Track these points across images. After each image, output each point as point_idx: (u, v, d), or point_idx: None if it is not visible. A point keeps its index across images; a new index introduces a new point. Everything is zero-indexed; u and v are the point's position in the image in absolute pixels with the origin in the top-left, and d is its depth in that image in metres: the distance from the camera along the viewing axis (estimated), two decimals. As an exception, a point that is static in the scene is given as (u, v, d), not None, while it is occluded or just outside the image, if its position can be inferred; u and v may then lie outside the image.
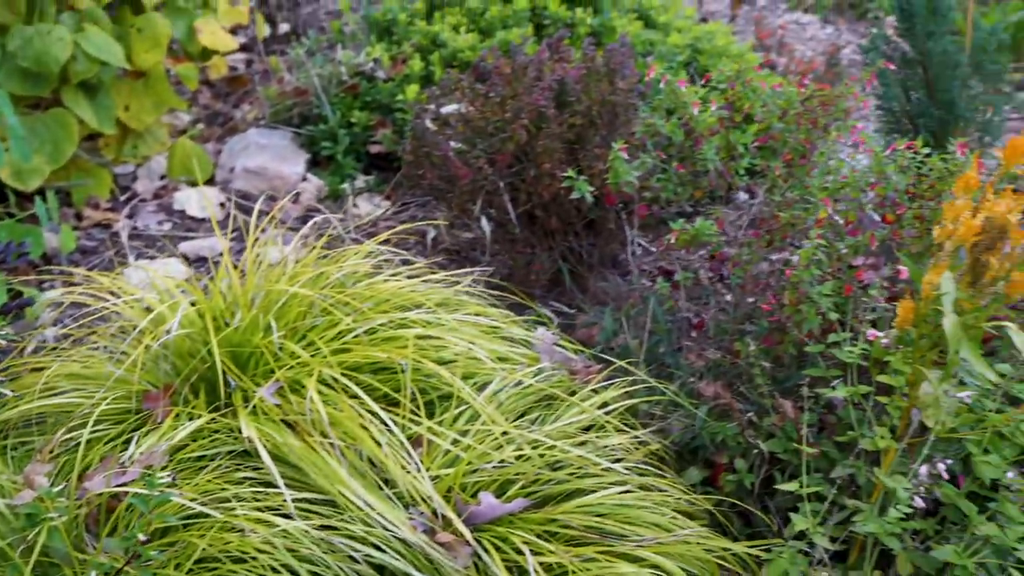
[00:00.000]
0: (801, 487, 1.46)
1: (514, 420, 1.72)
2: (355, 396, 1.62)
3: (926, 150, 1.85)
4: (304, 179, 3.20)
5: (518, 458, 1.62)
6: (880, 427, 1.46)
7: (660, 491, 1.67)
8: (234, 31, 4.78)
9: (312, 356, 1.72)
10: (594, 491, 1.59)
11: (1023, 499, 1.32)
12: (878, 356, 1.49)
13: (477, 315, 1.96)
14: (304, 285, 1.93)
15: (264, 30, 4.30)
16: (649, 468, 1.73)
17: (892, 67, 2.46)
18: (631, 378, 1.86)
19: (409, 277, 2.04)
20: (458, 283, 2.07)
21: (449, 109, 2.31)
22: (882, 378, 1.45)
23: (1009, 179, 1.40)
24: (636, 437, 1.76)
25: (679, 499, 1.69)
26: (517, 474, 1.61)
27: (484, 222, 2.38)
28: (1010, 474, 1.39)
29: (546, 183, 2.24)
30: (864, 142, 2.10)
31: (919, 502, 1.39)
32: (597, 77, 2.34)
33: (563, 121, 2.30)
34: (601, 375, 1.87)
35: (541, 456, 1.63)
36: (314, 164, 3.33)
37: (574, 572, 1.45)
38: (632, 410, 1.90)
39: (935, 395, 1.43)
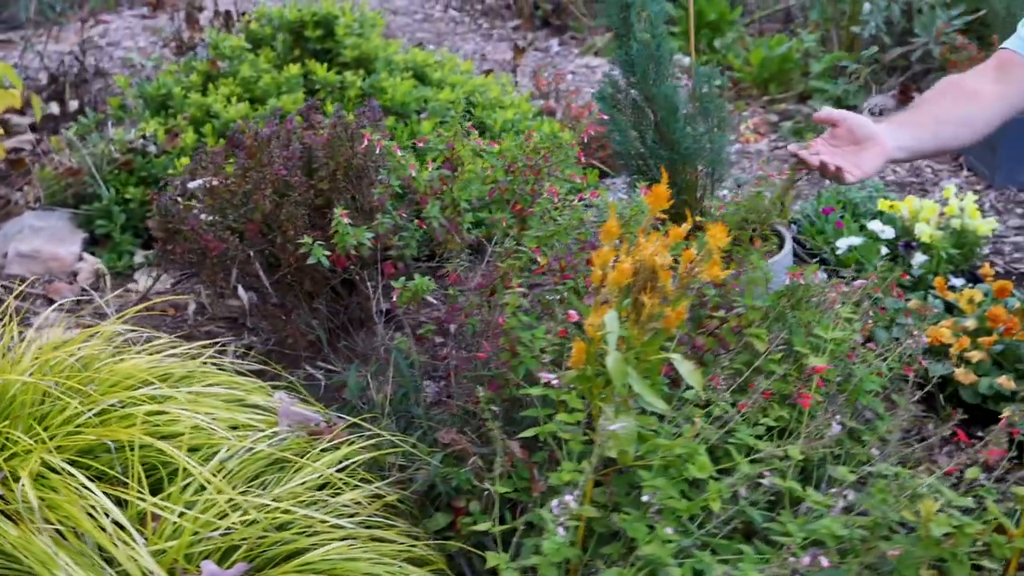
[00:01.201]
0: (493, 526, 1.55)
1: (244, 486, 1.76)
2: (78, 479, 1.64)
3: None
4: (81, 259, 3.18)
5: (245, 523, 1.67)
6: (567, 463, 1.57)
7: (391, 542, 1.74)
8: (23, 111, 4.72)
9: (35, 443, 1.73)
10: (316, 548, 1.65)
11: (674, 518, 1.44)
12: (556, 396, 1.60)
13: (219, 386, 2.00)
14: (41, 369, 1.94)
15: (43, 110, 4.24)
16: (383, 520, 1.79)
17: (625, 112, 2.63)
18: (370, 432, 1.93)
19: (151, 354, 2.07)
20: (204, 355, 2.11)
21: (196, 183, 2.36)
22: (561, 417, 1.56)
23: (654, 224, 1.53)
24: (375, 490, 1.83)
25: (412, 547, 1.76)
26: (242, 539, 1.65)
27: (242, 291, 2.42)
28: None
29: (291, 250, 2.30)
30: (594, 189, 2.24)
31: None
32: (340, 142, 2.42)
33: (308, 187, 2.36)
34: (342, 432, 1.93)
35: (269, 519, 1.68)
36: (93, 243, 3.31)
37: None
38: (380, 463, 1.96)
39: (611, 427, 1.54)
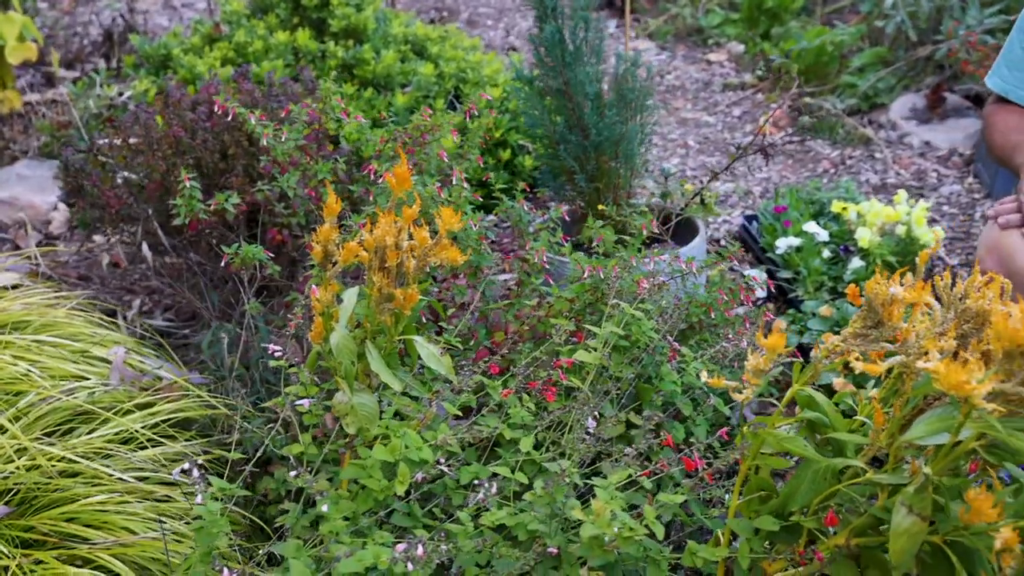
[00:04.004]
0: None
1: (52, 434, 1.83)
2: None
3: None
4: (55, 208, 3.32)
5: (27, 469, 1.73)
6: (304, 435, 1.57)
7: (174, 501, 1.78)
8: (71, 66, 4.95)
9: None
10: (86, 498, 1.70)
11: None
12: (310, 366, 1.60)
13: (73, 338, 2.08)
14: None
15: (94, 65, 4.43)
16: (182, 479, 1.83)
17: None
18: (196, 394, 1.97)
19: (28, 300, 2.16)
20: (68, 304, 2.19)
21: (104, 140, 2.43)
22: (291, 389, 1.56)
23: (399, 203, 1.51)
24: (182, 448, 1.87)
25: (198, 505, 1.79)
26: (17, 484, 1.72)
27: (146, 249, 2.49)
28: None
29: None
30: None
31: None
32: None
33: (206, 151, 2.41)
34: (174, 389, 1.98)
35: (58, 467, 1.74)
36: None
37: (26, 574, 1.56)
38: (216, 422, 2.01)
39: (350, 403, 1.54)
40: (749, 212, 3.32)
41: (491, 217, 2.46)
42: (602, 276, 1.79)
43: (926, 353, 1.17)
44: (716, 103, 4.63)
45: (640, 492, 1.51)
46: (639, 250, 2.03)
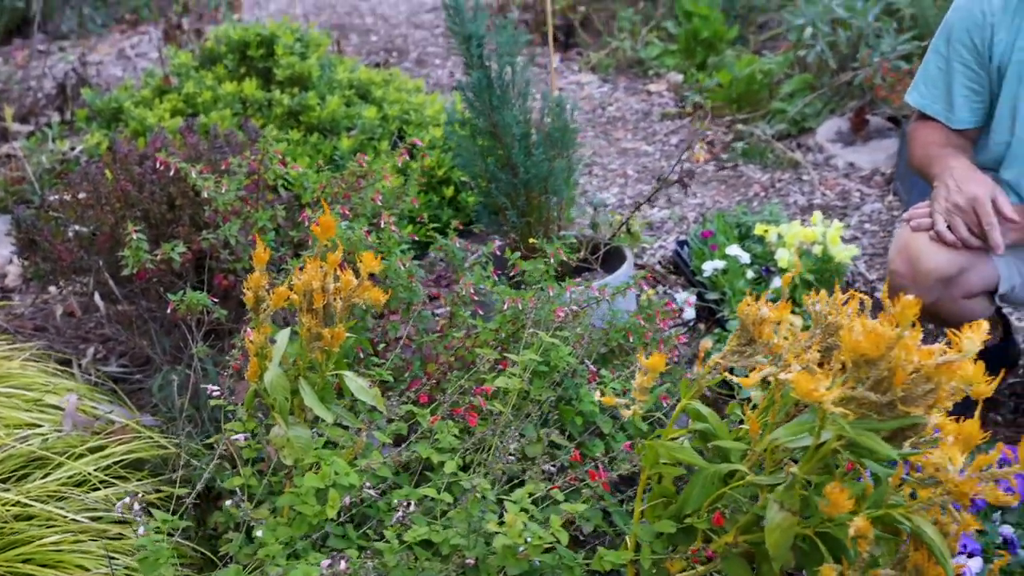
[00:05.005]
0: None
1: (7, 480, 1.93)
2: None
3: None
4: (10, 262, 3.41)
5: (-13, 513, 1.83)
6: (245, 468, 1.69)
7: (127, 539, 1.88)
8: (26, 120, 5.05)
9: None
10: (40, 539, 1.80)
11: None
12: (248, 404, 1.72)
13: (26, 388, 2.18)
14: None
15: (47, 119, 4.54)
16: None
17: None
18: (148, 435, 2.08)
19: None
20: (23, 356, 2.29)
21: (54, 197, 2.54)
22: (229, 426, 1.68)
23: (327, 251, 1.64)
24: (135, 488, 1.98)
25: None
26: (-24, 528, 1.82)
27: (98, 299, 2.60)
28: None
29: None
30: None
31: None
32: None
33: (153, 202, 2.53)
34: (127, 432, 2.09)
35: (13, 512, 1.84)
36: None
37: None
38: (167, 462, 2.12)
39: (286, 436, 1.66)
40: (682, 237, 3.47)
41: (433, 254, 2.59)
42: (520, 307, 1.92)
43: (790, 365, 1.31)
44: (655, 132, 4.81)
45: (555, 505, 1.63)
46: (559, 280, 2.17)
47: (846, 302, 1.43)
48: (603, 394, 1.94)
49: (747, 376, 1.35)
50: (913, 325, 1.23)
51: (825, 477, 1.32)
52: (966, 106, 2.30)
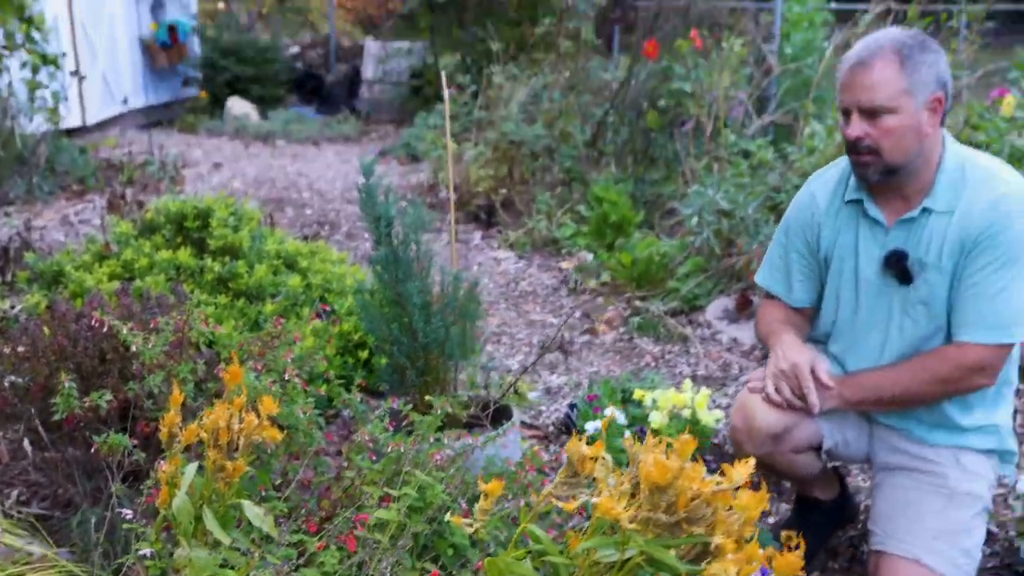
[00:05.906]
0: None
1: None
2: None
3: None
4: (-55, 411, 3.62)
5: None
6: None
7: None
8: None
9: None
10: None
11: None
12: (157, 527, 1.97)
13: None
14: None
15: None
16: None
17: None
18: (63, 564, 2.30)
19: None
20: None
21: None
22: (138, 544, 1.93)
23: (234, 395, 1.93)
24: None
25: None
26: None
27: (27, 444, 2.83)
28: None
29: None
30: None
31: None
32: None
33: (86, 356, 2.81)
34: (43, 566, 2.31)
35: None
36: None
37: None
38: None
39: (188, 556, 1.91)
40: (574, 401, 3.80)
41: (346, 412, 2.86)
42: (402, 450, 2.22)
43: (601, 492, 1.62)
44: (562, 306, 5.21)
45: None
46: (441, 430, 2.48)
47: (658, 444, 1.75)
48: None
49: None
50: (695, 459, 1.56)
51: (632, 587, 1.61)
52: (802, 288, 2.70)
